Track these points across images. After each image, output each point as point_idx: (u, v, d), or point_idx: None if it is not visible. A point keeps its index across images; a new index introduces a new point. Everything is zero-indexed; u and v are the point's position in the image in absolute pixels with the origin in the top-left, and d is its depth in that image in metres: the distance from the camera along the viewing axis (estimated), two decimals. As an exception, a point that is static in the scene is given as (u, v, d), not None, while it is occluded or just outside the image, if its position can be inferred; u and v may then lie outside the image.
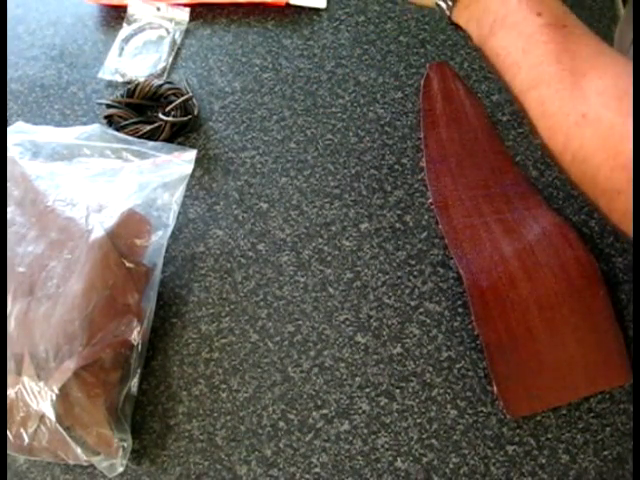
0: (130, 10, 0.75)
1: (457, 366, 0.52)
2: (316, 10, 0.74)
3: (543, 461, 0.48)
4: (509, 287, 0.52)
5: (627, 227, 0.34)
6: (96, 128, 0.59)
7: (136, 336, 0.49)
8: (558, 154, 0.37)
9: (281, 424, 0.51)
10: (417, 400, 0.51)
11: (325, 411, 0.51)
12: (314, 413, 0.51)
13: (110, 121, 0.65)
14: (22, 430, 0.46)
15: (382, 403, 0.51)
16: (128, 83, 0.68)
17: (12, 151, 0.56)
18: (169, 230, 0.54)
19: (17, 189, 0.53)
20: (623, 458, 0.48)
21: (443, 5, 0.46)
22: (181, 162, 0.57)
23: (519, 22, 0.40)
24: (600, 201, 0.35)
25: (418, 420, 0.50)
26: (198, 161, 0.62)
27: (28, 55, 0.74)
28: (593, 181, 0.35)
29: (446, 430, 0.50)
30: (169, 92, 0.66)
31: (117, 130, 0.63)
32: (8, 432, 0.46)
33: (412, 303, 0.55)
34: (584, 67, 0.37)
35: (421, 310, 0.55)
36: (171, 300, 0.56)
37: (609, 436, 0.49)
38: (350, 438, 0.50)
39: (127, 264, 0.50)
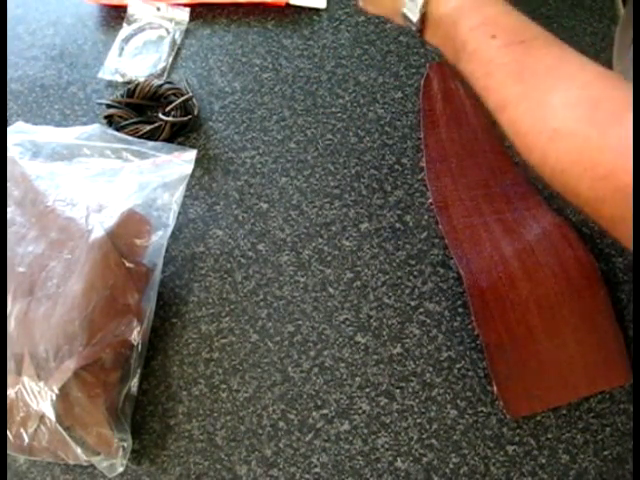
0: (130, 10, 0.75)
1: (457, 366, 0.52)
2: (316, 10, 0.74)
3: (543, 461, 0.48)
4: (509, 287, 0.52)
5: (616, 233, 0.34)
6: (96, 128, 0.59)
7: (136, 336, 0.49)
8: (538, 168, 0.37)
9: (281, 424, 0.51)
10: (417, 400, 0.51)
11: (325, 411, 0.51)
12: (314, 413, 0.51)
13: (110, 121, 0.65)
14: (22, 430, 0.46)
15: (382, 403, 0.51)
16: (128, 83, 0.68)
17: (12, 151, 0.56)
18: (169, 230, 0.54)
19: (17, 189, 0.53)
20: (623, 458, 0.48)
21: (414, 29, 0.47)
22: (181, 162, 0.57)
23: (477, 48, 0.40)
24: (586, 209, 0.35)
25: (418, 420, 0.50)
26: (198, 161, 0.62)
27: (28, 55, 0.74)
28: (575, 192, 0.35)
29: (446, 430, 0.50)
30: (169, 92, 0.66)
31: (117, 130, 0.63)
32: (8, 432, 0.46)
33: (412, 303, 0.55)
34: (548, 81, 0.36)
35: (421, 310, 0.55)
36: (171, 300, 0.56)
37: (609, 436, 0.49)
38: (350, 438, 0.50)
39: (127, 264, 0.50)
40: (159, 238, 0.53)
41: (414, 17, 0.45)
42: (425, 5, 0.44)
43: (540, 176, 0.38)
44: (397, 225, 0.59)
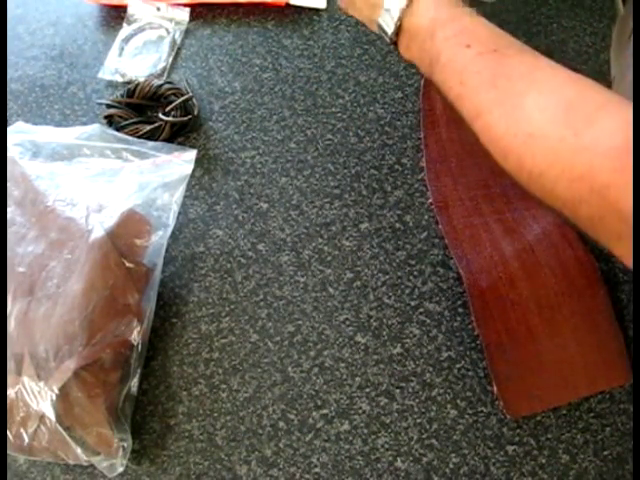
0: (130, 10, 0.75)
1: (457, 366, 0.52)
2: (316, 10, 0.74)
3: (543, 461, 0.48)
4: (509, 287, 0.52)
5: (595, 233, 0.34)
6: (96, 128, 0.59)
7: (136, 336, 0.49)
8: (515, 174, 0.37)
9: (281, 424, 0.51)
10: (417, 400, 0.51)
11: (325, 411, 0.51)
12: (314, 413, 0.51)
13: (110, 121, 0.65)
14: (22, 430, 0.46)
15: (382, 403, 0.51)
16: (128, 83, 0.68)
17: (12, 151, 0.56)
18: (169, 230, 0.54)
19: (17, 189, 0.53)
20: (623, 458, 0.48)
21: (388, 41, 0.47)
22: (181, 162, 0.57)
23: (451, 58, 0.41)
24: (564, 212, 0.35)
25: (418, 420, 0.50)
26: (198, 161, 0.62)
27: (28, 55, 0.74)
28: (553, 195, 0.35)
29: (446, 430, 0.50)
30: (169, 92, 0.66)
31: (117, 130, 0.63)
32: (8, 432, 0.46)
33: (412, 303, 0.55)
34: (521, 86, 0.37)
35: (421, 310, 0.55)
36: (171, 300, 0.56)
37: (609, 436, 0.49)
38: (350, 438, 0.50)
39: (127, 264, 0.50)
40: (159, 238, 0.53)
41: (389, 29, 0.46)
42: (400, 17, 0.44)
43: (517, 183, 0.38)
44: (397, 225, 0.59)
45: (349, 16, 0.53)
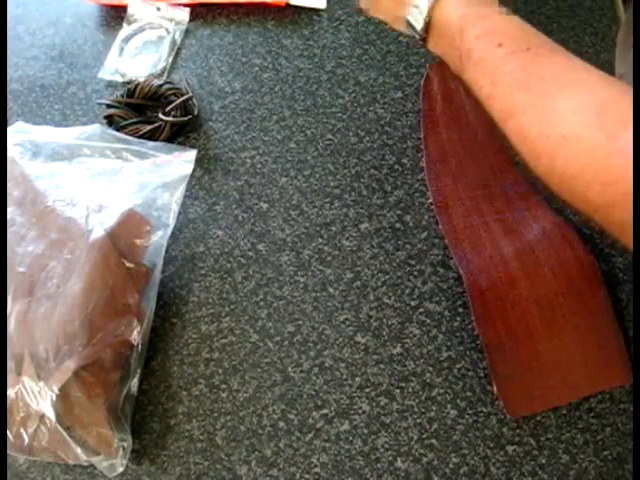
0: (130, 10, 0.75)
1: (457, 366, 0.52)
2: (316, 10, 0.74)
3: (543, 461, 0.48)
4: (509, 287, 0.52)
5: (626, 239, 0.33)
6: (96, 128, 0.59)
7: (136, 336, 0.49)
8: (546, 176, 0.37)
9: (281, 424, 0.51)
10: (417, 400, 0.51)
11: (325, 411, 0.51)
12: (314, 413, 0.51)
13: (110, 121, 0.65)
14: (22, 430, 0.46)
15: (382, 403, 0.51)
16: (128, 83, 0.68)
17: (12, 151, 0.56)
18: (169, 230, 0.54)
19: (17, 189, 0.53)
20: (623, 458, 0.48)
21: (417, 37, 0.47)
22: (181, 162, 0.57)
23: (483, 57, 0.40)
24: (595, 217, 0.35)
25: (418, 420, 0.50)
26: (198, 161, 0.62)
27: (28, 55, 0.74)
28: (584, 198, 0.35)
29: (446, 430, 0.50)
30: (169, 92, 0.66)
31: (117, 130, 0.63)
32: (8, 432, 0.46)
33: (412, 303, 0.55)
34: (555, 87, 0.36)
35: (421, 310, 0.55)
36: (171, 300, 0.56)
37: (609, 436, 0.49)
38: (350, 438, 0.50)
39: (127, 264, 0.50)
40: (159, 238, 0.53)
41: (418, 25, 0.45)
42: (430, 13, 0.44)
43: (547, 186, 0.37)
44: (397, 225, 0.59)
45: (367, 17, 0.52)
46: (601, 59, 0.67)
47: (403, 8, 0.46)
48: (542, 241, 0.54)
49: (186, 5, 0.75)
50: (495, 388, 0.50)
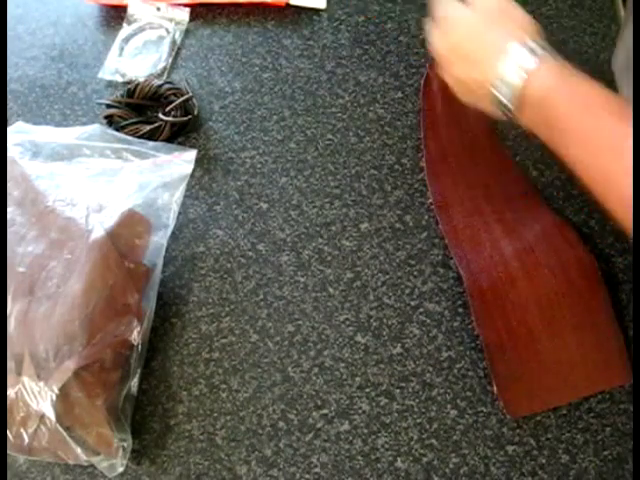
0: (130, 10, 0.75)
1: (457, 366, 0.52)
2: (316, 10, 0.74)
3: (543, 461, 0.48)
4: (509, 287, 0.52)
5: None
6: (96, 128, 0.59)
7: (136, 336, 0.49)
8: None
9: (281, 424, 0.51)
10: (417, 400, 0.51)
11: (325, 411, 0.51)
12: (314, 413, 0.51)
13: (110, 121, 0.65)
14: (22, 430, 0.46)
15: (382, 403, 0.51)
16: (128, 83, 0.68)
17: (12, 151, 0.56)
18: (169, 230, 0.54)
19: (17, 189, 0.53)
20: (623, 458, 0.48)
21: (507, 112, 0.46)
22: (181, 162, 0.57)
23: (570, 125, 0.41)
24: None
25: (418, 420, 0.50)
26: (198, 161, 0.62)
27: (28, 55, 0.74)
28: None
29: (446, 430, 0.50)
30: (169, 92, 0.66)
31: (117, 130, 0.63)
32: (8, 432, 0.46)
33: (412, 303, 0.55)
34: None
35: (421, 310, 0.55)
36: (171, 300, 0.56)
37: (609, 436, 0.49)
38: (350, 438, 0.50)
39: (127, 264, 0.50)
40: (159, 238, 0.53)
41: (508, 101, 0.45)
42: (521, 88, 0.43)
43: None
44: (397, 225, 0.59)
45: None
46: (601, 59, 0.66)
47: (486, 85, 0.46)
48: (542, 241, 0.54)
49: (186, 5, 0.75)
50: (495, 388, 0.50)
